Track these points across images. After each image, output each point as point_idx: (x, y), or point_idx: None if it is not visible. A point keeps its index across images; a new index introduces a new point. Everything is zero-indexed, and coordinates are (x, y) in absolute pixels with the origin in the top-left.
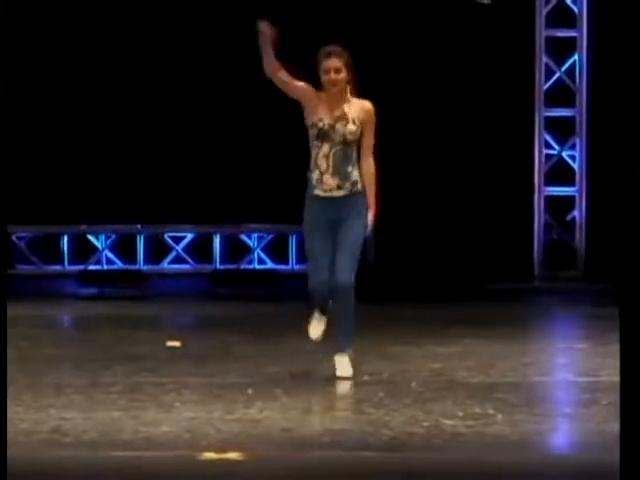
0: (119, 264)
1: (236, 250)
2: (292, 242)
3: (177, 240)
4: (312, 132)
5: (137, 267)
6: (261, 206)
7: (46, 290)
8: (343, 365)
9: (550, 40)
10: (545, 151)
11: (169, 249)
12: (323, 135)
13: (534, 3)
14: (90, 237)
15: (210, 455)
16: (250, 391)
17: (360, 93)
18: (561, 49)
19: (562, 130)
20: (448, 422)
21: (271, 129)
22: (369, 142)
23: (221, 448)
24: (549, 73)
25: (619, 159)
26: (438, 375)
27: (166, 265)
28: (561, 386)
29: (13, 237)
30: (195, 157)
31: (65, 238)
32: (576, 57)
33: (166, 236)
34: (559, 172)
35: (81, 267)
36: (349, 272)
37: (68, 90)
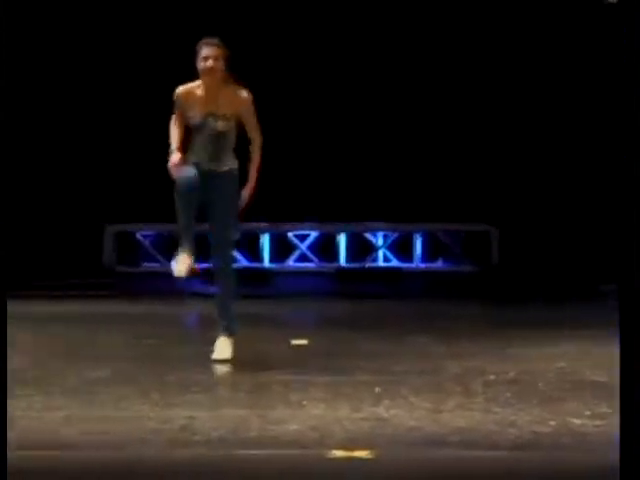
0: (244, 262)
1: (361, 248)
2: (417, 240)
3: (302, 238)
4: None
5: (262, 265)
6: (386, 205)
7: (171, 288)
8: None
9: None
10: None
11: (294, 247)
12: (196, 129)
13: None
14: None
15: (337, 453)
16: (377, 389)
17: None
18: None
19: None
20: (575, 421)
21: (398, 129)
22: (252, 126)
23: (348, 446)
24: None
25: (619, 159)
26: (563, 375)
27: (291, 263)
28: None
29: (138, 235)
30: (320, 156)
31: None
32: None
33: (291, 234)
34: None
35: (207, 265)
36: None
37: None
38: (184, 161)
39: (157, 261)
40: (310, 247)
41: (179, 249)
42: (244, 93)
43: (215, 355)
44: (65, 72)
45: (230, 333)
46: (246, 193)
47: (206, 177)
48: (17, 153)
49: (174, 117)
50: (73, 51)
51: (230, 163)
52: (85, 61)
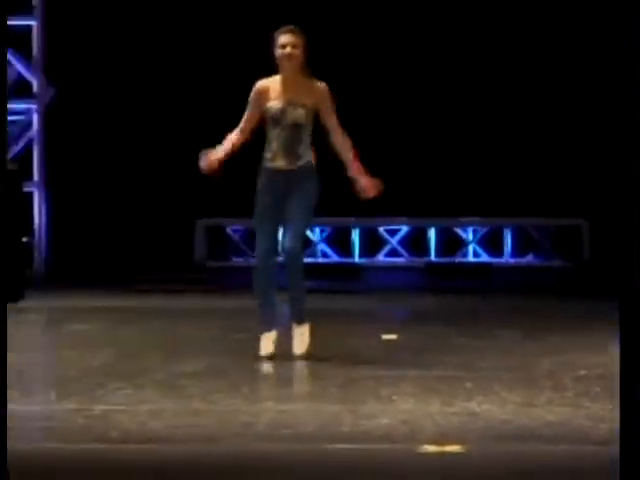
0: (334, 257)
1: (451, 243)
2: (507, 235)
3: (392, 233)
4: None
5: (352, 260)
6: (477, 199)
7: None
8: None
9: None
10: None
11: (384, 242)
12: (274, 120)
13: None
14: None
15: (429, 448)
16: (468, 384)
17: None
18: None
19: None
20: None
21: (489, 123)
22: (332, 122)
23: (440, 441)
24: None
25: (618, 160)
26: None
27: (381, 258)
28: None
29: (228, 230)
30: (411, 151)
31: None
32: None
33: (381, 229)
34: None
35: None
36: (295, 242)
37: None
38: (219, 164)
39: (247, 255)
40: (400, 242)
41: (261, 326)
42: (322, 84)
43: (295, 350)
44: (151, 70)
45: (299, 321)
46: (363, 180)
47: (281, 176)
48: (110, 151)
49: (243, 121)
50: (157, 50)
51: (306, 156)
52: (171, 59)
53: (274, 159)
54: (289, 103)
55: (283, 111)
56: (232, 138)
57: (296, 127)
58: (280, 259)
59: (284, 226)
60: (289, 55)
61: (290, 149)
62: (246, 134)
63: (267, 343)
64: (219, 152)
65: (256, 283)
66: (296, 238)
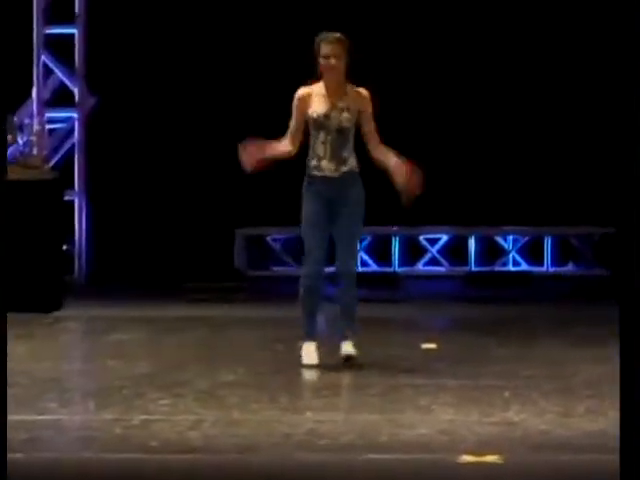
0: (373, 266)
1: (491, 252)
2: (547, 244)
3: (432, 242)
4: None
5: (392, 269)
6: (517, 208)
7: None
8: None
9: None
10: None
11: (424, 251)
12: (319, 125)
13: None
14: None
15: (468, 458)
16: (507, 394)
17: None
18: None
19: None
20: None
21: (530, 132)
22: (371, 128)
23: (479, 451)
24: None
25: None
26: None
27: (421, 267)
28: None
29: (268, 239)
30: (452, 159)
31: None
32: None
33: (421, 238)
34: None
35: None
36: (351, 258)
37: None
38: (262, 158)
39: (287, 264)
40: (440, 250)
41: (305, 336)
42: (364, 90)
43: (343, 359)
44: (193, 79)
45: (353, 335)
46: (405, 181)
47: (328, 183)
48: (151, 160)
49: (290, 130)
50: (199, 59)
51: (351, 162)
52: (213, 68)
53: (320, 165)
54: (333, 107)
55: (327, 116)
56: (281, 145)
57: (341, 131)
58: (329, 269)
59: (336, 238)
60: (332, 67)
61: (336, 154)
62: (295, 145)
63: (310, 352)
64: (264, 150)
65: (303, 296)
66: (352, 255)
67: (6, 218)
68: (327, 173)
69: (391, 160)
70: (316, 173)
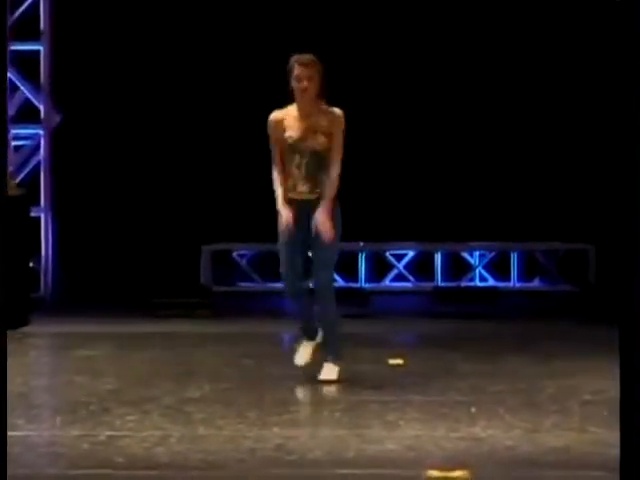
0: (340, 282)
1: (457, 267)
2: (514, 259)
3: (399, 257)
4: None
5: (359, 285)
6: (483, 224)
7: (268, 308)
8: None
9: None
10: None
11: (391, 266)
12: (293, 149)
13: None
14: None
15: (434, 473)
16: (473, 409)
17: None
18: None
19: None
20: None
21: (495, 148)
22: (335, 150)
23: (446, 466)
24: None
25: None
26: None
27: (388, 282)
28: None
29: (234, 255)
30: (417, 175)
31: None
32: None
33: (388, 253)
34: None
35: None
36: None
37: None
38: (296, 219)
39: (253, 280)
40: (407, 266)
41: (301, 338)
42: (338, 110)
43: (321, 376)
44: (159, 96)
45: (335, 357)
46: (321, 218)
47: (303, 205)
48: (117, 177)
49: (275, 158)
50: (166, 77)
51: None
52: (178, 85)
53: (295, 188)
54: (308, 131)
55: (302, 139)
56: (280, 183)
57: (316, 154)
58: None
59: (313, 257)
60: (304, 89)
61: (310, 176)
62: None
63: (305, 352)
64: (288, 212)
65: (294, 309)
66: (327, 269)
67: None
68: (303, 196)
69: (323, 202)
70: (292, 195)
